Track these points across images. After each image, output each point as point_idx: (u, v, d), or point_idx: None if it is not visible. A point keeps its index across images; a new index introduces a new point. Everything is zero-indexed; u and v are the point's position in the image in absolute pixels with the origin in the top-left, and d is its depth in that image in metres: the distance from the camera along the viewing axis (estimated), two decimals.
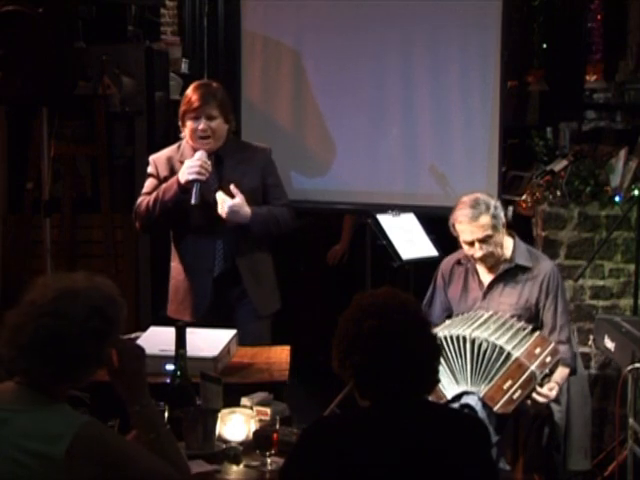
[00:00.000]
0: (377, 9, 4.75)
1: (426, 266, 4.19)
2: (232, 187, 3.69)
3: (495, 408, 3.45)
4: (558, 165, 4.93)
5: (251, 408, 2.90)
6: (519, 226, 4.74)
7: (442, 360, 3.21)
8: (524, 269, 3.74)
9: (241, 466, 2.66)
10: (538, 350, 3.52)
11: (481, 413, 3.43)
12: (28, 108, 4.67)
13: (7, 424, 2.10)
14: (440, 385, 3.39)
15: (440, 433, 2.14)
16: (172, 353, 2.86)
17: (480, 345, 3.46)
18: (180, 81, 5.83)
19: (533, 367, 3.45)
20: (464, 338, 3.49)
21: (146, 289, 5.16)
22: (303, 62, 4.85)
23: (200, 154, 3.69)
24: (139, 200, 3.81)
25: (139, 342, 3.28)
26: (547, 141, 5.18)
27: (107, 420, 2.57)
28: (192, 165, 3.65)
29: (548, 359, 3.52)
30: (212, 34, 6.38)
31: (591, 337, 4.51)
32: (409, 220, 4.45)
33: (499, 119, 4.66)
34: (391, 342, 2.14)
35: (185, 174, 3.65)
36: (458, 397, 3.53)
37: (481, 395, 3.48)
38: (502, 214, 3.70)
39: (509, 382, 3.44)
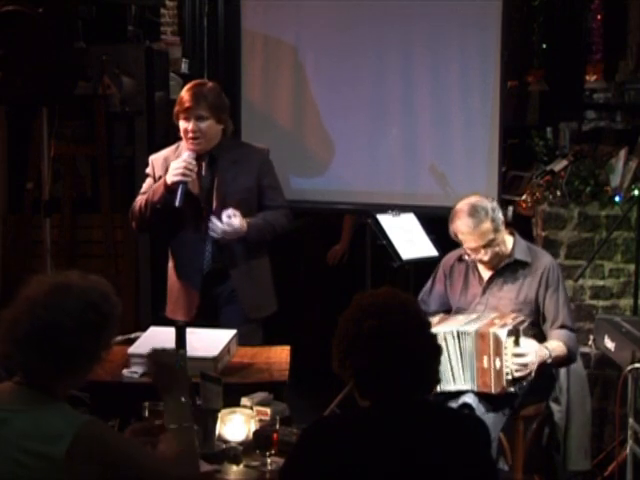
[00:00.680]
0: (377, 9, 4.75)
1: (426, 266, 4.19)
2: (226, 214, 3.66)
3: (492, 391, 3.46)
4: (558, 165, 4.93)
5: (251, 408, 2.90)
6: (519, 226, 4.74)
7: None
8: (523, 264, 3.74)
9: (241, 466, 2.66)
10: (497, 320, 3.57)
11: (479, 410, 3.44)
12: (28, 108, 4.67)
13: (7, 424, 2.10)
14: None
15: (440, 433, 2.14)
16: None
17: (453, 337, 3.51)
18: (180, 81, 5.83)
19: (492, 329, 3.47)
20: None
21: (146, 289, 5.16)
22: (303, 62, 4.85)
23: (186, 155, 3.68)
24: (136, 200, 3.82)
25: (139, 342, 3.32)
26: (547, 141, 5.18)
27: (107, 420, 2.58)
28: (177, 167, 3.65)
29: (509, 321, 3.54)
30: (212, 34, 6.37)
31: (591, 337, 4.51)
32: (409, 220, 4.45)
33: (499, 119, 4.66)
34: (391, 342, 2.14)
35: (170, 175, 3.65)
36: (456, 396, 3.53)
37: (475, 389, 3.49)
38: (500, 213, 3.70)
39: (485, 359, 3.47)
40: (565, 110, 5.39)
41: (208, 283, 3.79)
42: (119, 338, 3.40)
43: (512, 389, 3.48)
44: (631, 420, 3.61)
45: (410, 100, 4.76)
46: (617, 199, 4.76)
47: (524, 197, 4.92)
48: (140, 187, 3.90)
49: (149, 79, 5.20)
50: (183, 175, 3.63)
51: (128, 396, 2.93)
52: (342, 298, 2.51)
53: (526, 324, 3.59)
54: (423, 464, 2.08)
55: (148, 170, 3.87)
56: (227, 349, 3.29)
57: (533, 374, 3.51)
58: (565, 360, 3.72)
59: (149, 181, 3.85)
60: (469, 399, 3.51)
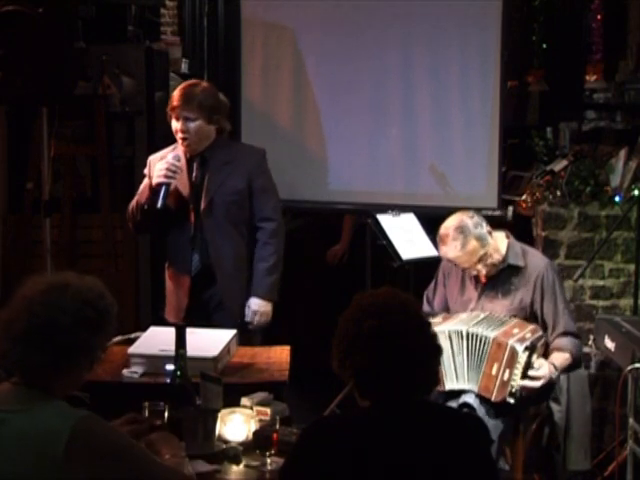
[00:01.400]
0: (377, 9, 4.75)
1: (426, 266, 4.19)
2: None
3: (492, 398, 3.47)
4: (558, 165, 4.93)
5: (251, 408, 2.89)
6: (519, 226, 4.75)
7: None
8: (517, 269, 3.74)
9: (241, 466, 2.66)
10: (516, 330, 3.56)
11: (480, 411, 3.45)
12: (28, 108, 4.67)
13: (5, 424, 2.10)
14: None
15: (440, 433, 2.14)
16: (172, 353, 2.85)
17: (461, 336, 3.52)
18: (180, 81, 5.82)
19: (511, 341, 3.47)
20: (459, 333, 3.54)
21: (146, 289, 5.16)
22: (303, 62, 4.85)
23: (171, 157, 3.67)
24: (131, 201, 3.83)
25: (139, 342, 3.32)
26: (547, 141, 5.18)
27: (107, 420, 2.57)
28: (160, 168, 3.64)
29: (528, 335, 3.54)
30: (212, 34, 6.38)
31: (591, 337, 4.51)
32: (409, 220, 4.45)
33: (499, 119, 4.67)
34: (391, 342, 2.14)
35: (155, 176, 3.65)
36: (456, 396, 3.54)
37: (476, 390, 3.49)
38: (484, 223, 3.67)
39: (495, 366, 3.48)
40: (565, 110, 5.39)
41: (197, 285, 3.78)
42: (119, 338, 3.40)
43: (511, 400, 3.48)
44: (631, 420, 3.61)
45: (410, 100, 4.76)
46: (617, 199, 4.76)
47: (524, 197, 4.92)
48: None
49: (149, 79, 5.20)
50: (166, 177, 3.62)
51: (128, 396, 2.93)
52: (342, 298, 2.51)
53: (543, 340, 3.60)
54: (423, 464, 2.08)
55: (146, 170, 3.87)
56: (227, 349, 3.28)
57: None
58: (570, 368, 3.75)
59: (146, 181, 3.84)
60: (470, 399, 3.51)
